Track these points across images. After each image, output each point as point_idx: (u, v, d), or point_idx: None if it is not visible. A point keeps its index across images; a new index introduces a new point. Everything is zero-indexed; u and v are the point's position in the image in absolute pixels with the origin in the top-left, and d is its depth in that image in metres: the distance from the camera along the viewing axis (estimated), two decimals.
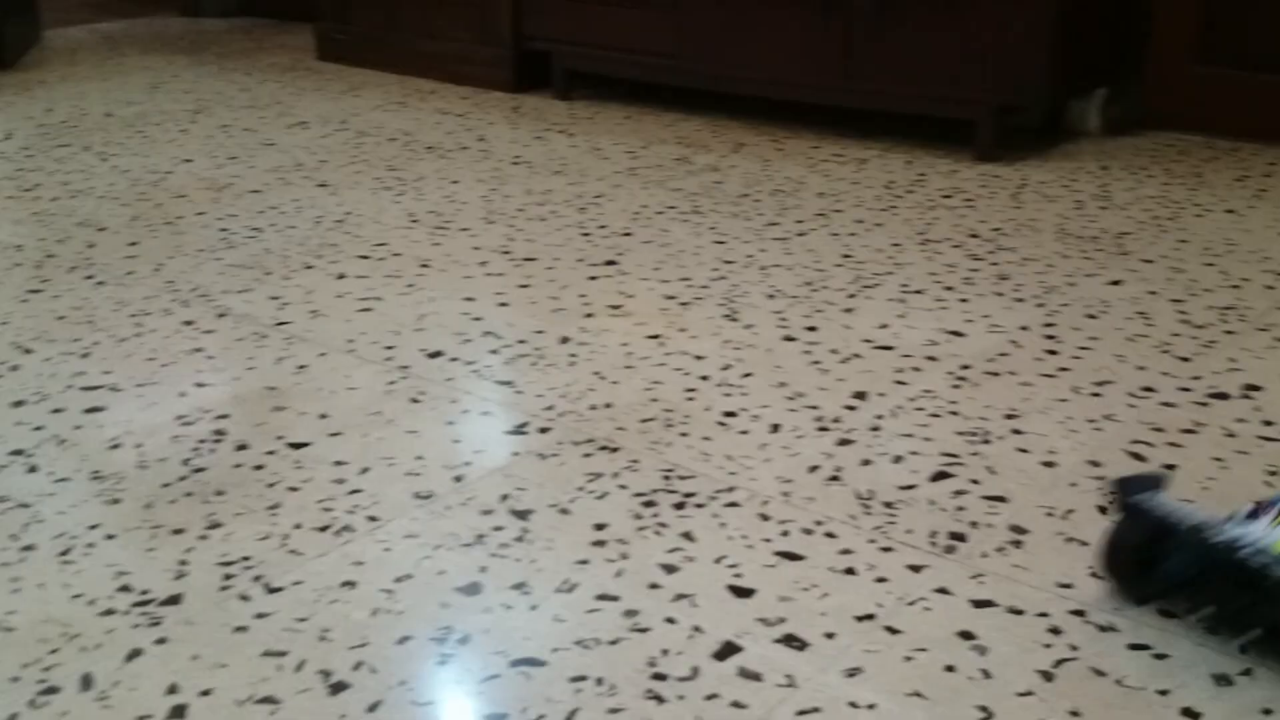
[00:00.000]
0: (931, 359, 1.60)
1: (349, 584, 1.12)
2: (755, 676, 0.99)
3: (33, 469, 1.32)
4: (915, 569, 1.13)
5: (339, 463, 1.34)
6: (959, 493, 1.27)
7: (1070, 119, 2.80)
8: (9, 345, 1.66)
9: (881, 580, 1.12)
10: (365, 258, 2.02)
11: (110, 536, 1.19)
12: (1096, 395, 1.49)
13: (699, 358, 1.61)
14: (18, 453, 1.36)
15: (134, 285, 1.89)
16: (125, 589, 1.10)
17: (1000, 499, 1.25)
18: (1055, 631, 1.04)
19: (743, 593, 1.10)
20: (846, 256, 2.00)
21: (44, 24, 4.46)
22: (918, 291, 1.84)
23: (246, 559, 1.15)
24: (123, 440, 1.39)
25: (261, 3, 4.76)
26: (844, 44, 2.67)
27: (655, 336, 1.69)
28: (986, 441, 1.37)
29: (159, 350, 1.64)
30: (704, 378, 1.55)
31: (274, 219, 2.22)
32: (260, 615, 1.07)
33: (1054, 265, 1.95)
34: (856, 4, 2.62)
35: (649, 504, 1.25)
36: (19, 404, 1.48)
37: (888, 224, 2.17)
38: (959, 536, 1.18)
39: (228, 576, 1.12)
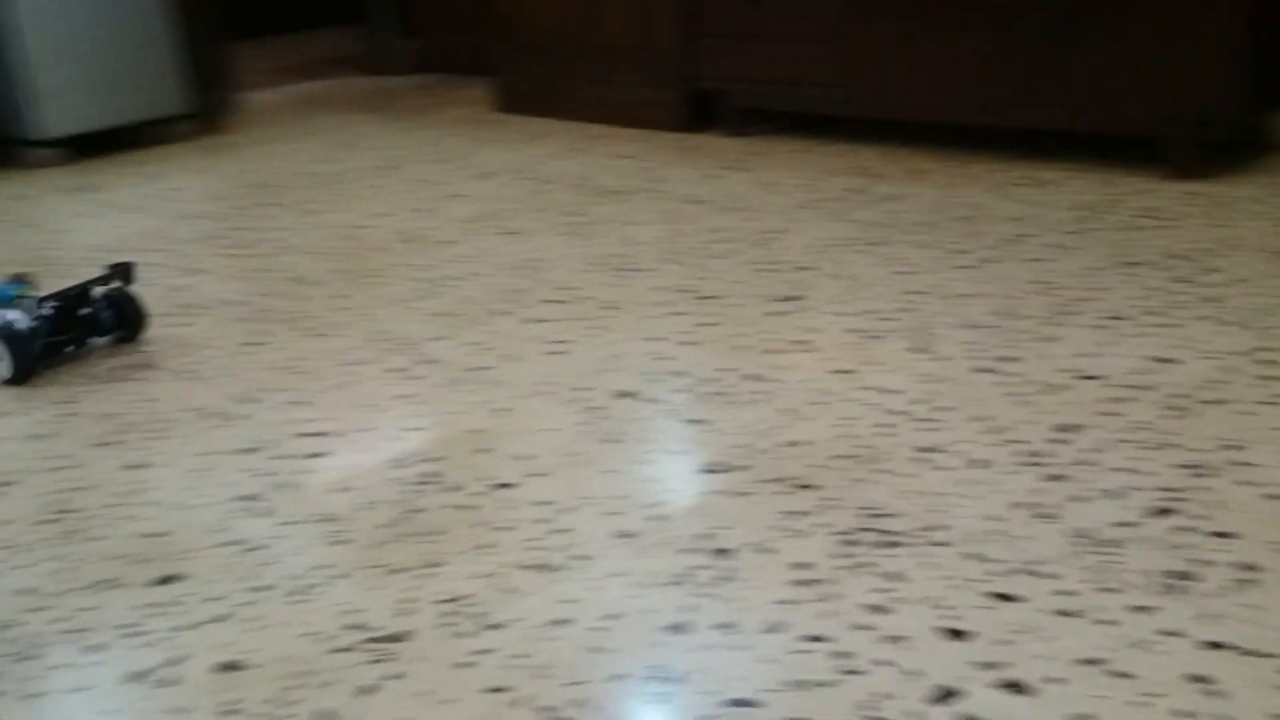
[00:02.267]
0: (1141, 388, 1.54)
1: (562, 622, 1.15)
2: None
3: (263, 513, 1.41)
4: (1140, 610, 1.09)
5: (544, 503, 1.38)
6: (1182, 529, 1.22)
7: (1271, 132, 2.67)
8: (236, 396, 1.77)
9: (1105, 622, 1.08)
10: (554, 302, 2.07)
11: (339, 576, 1.25)
12: None
13: (891, 392, 1.60)
14: (250, 497, 1.45)
15: (344, 335, 1.99)
16: (356, 626, 1.16)
17: (1227, 535, 1.20)
18: None
19: (958, 635, 1.08)
20: (1041, 283, 1.95)
21: (240, 88, 4.76)
22: (1121, 318, 1.78)
23: (466, 597, 1.20)
24: (345, 484, 1.46)
25: (441, 60, 4.96)
26: (1021, 65, 2.61)
27: (844, 371, 1.68)
28: (1207, 474, 1.32)
29: (371, 397, 1.73)
30: (898, 413, 1.54)
31: (467, 267, 2.30)
32: (482, 651, 1.11)
33: (1265, 286, 1.85)
34: (1031, 22, 2.56)
35: (851, 543, 1.25)
36: (249, 451, 1.58)
37: (1083, 248, 2.11)
38: (1185, 575, 1.14)
39: (450, 614, 1.17)
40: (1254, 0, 2.32)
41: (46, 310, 1.87)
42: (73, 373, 1.89)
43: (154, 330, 2.07)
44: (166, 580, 1.27)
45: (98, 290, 1.94)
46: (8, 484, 1.53)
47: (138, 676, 1.11)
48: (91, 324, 1.93)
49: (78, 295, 1.91)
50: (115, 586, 1.27)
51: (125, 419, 1.71)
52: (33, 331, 1.82)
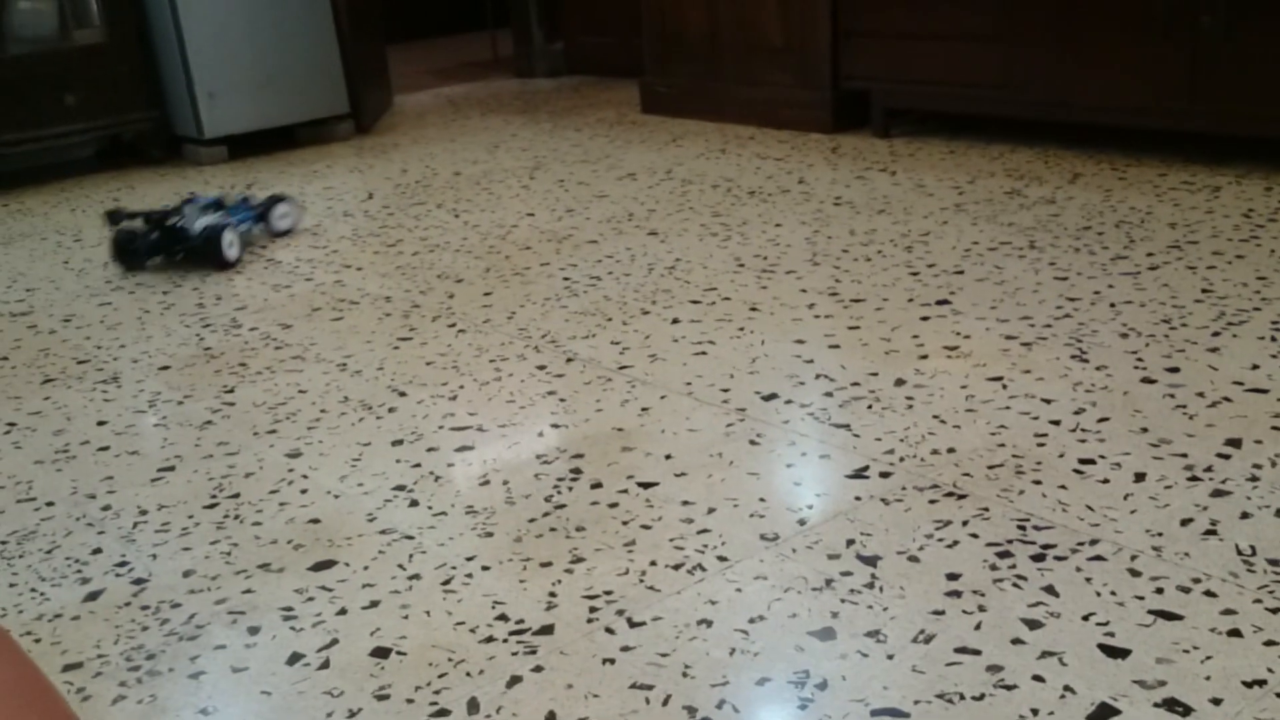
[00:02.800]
0: None
1: (705, 622, 1.15)
2: None
3: (414, 503, 1.44)
4: None
5: (686, 502, 1.38)
6: None
7: None
8: (386, 388, 1.82)
9: (1271, 644, 1.03)
10: (697, 302, 2.07)
11: (486, 568, 1.28)
12: None
13: (1047, 401, 1.55)
14: (400, 488, 1.49)
15: (491, 332, 2.03)
16: (503, 618, 1.18)
17: None
18: None
19: (1116, 652, 1.04)
20: (1207, 291, 1.87)
21: (394, 90, 4.89)
22: None
23: (609, 593, 1.20)
24: (491, 478, 1.49)
25: (587, 62, 5.02)
26: (1190, 65, 2.51)
27: (997, 379, 1.63)
28: None
29: (517, 393, 1.75)
30: (1055, 422, 1.49)
31: (610, 267, 2.32)
32: (626, 648, 1.11)
33: None
34: (1203, 21, 2.45)
35: (1004, 554, 1.21)
36: (398, 443, 1.62)
37: (1251, 255, 2.01)
38: None
39: (593, 609, 1.18)
40: None
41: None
42: (230, 360, 1.98)
43: (308, 322, 2.15)
44: (322, 566, 1.31)
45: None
46: (170, 468, 1.60)
47: (294, 659, 1.15)
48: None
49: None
50: (273, 570, 1.32)
51: (281, 408, 1.77)
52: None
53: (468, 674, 1.10)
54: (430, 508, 1.43)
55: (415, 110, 4.49)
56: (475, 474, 1.50)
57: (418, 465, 1.54)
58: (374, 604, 1.23)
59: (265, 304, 2.29)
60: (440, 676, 1.10)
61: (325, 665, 1.13)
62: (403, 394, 1.79)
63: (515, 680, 1.08)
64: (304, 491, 1.50)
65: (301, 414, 1.75)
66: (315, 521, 1.42)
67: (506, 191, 3.03)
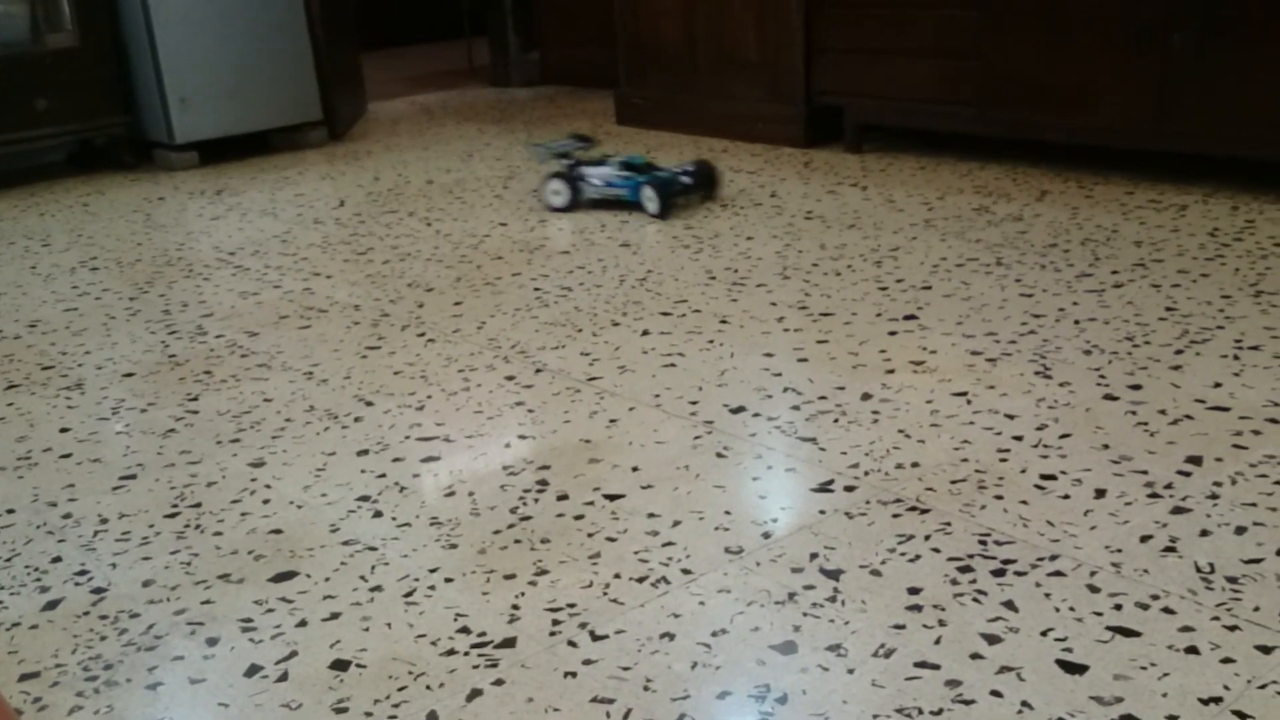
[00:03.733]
0: (1273, 421, 1.48)
1: (668, 635, 1.15)
2: None
3: (378, 514, 1.44)
4: (1265, 650, 1.05)
5: (652, 515, 1.38)
6: None
7: None
8: (352, 398, 1.81)
9: (1228, 661, 1.04)
10: (667, 314, 2.08)
11: (449, 580, 1.27)
12: None
13: (1011, 417, 1.56)
14: (364, 498, 1.48)
15: (460, 342, 2.02)
16: (464, 630, 1.17)
17: None
18: None
19: (1074, 668, 1.05)
20: (1171, 309, 1.89)
21: (368, 97, 4.88)
22: (1254, 348, 1.71)
23: (572, 606, 1.20)
24: (456, 489, 1.49)
25: (563, 72, 5.02)
26: (1159, 84, 2.54)
27: (962, 394, 1.65)
28: None
29: (485, 403, 1.75)
30: (1017, 438, 1.50)
31: (582, 278, 2.32)
32: (588, 662, 1.11)
33: None
34: (1173, 42, 2.48)
35: (965, 569, 1.22)
36: (364, 453, 1.61)
37: (1215, 274, 2.03)
38: None
39: (556, 622, 1.18)
40: None
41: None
42: (195, 368, 1.96)
43: (275, 330, 2.14)
44: (283, 577, 1.31)
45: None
46: (131, 477, 1.59)
47: (253, 670, 1.14)
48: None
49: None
50: (233, 581, 1.31)
51: (245, 417, 1.76)
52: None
53: (428, 687, 1.09)
54: (394, 519, 1.42)
55: (389, 118, 4.48)
56: (441, 485, 1.50)
57: (383, 476, 1.54)
58: (334, 616, 1.22)
59: (232, 311, 2.28)
60: (400, 690, 1.09)
61: (284, 677, 1.13)
62: (369, 403, 1.78)
63: (476, 693, 1.08)
64: (266, 501, 1.49)
65: (266, 423, 1.74)
66: (277, 532, 1.41)
67: (479, 201, 3.03)
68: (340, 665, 1.14)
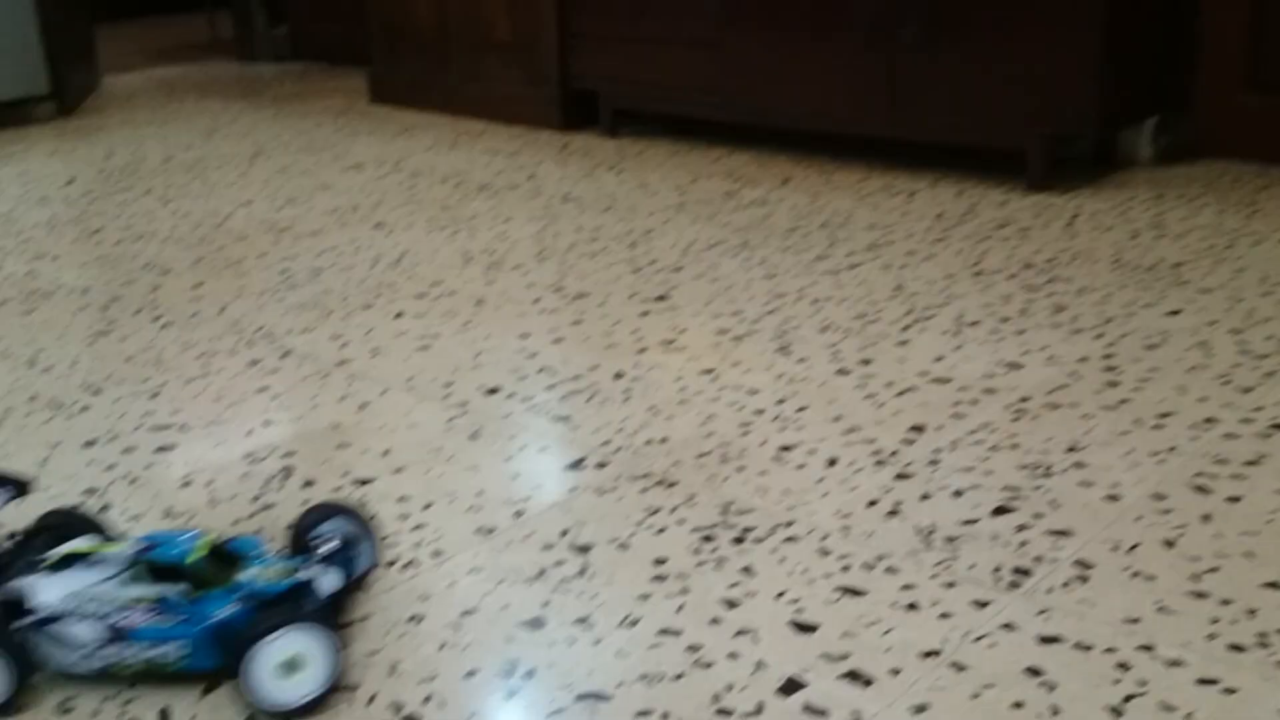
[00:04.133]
0: (989, 391, 1.60)
1: (416, 618, 1.13)
2: (821, 713, 0.99)
3: (106, 507, 1.36)
4: (980, 605, 1.13)
5: (403, 498, 1.36)
6: (1022, 527, 1.26)
7: (1122, 148, 2.79)
8: (78, 386, 1.70)
9: (946, 616, 1.12)
10: (422, 296, 2.05)
11: None
12: (1158, 427, 1.48)
13: (753, 392, 1.62)
14: (91, 491, 1.39)
15: (199, 326, 1.93)
16: None
17: (1064, 533, 1.25)
18: (1123, 667, 1.03)
19: (805, 628, 1.10)
20: (899, 289, 2.01)
21: (102, 70, 4.58)
22: (973, 323, 1.84)
23: None
24: (193, 478, 1.42)
25: (314, 48, 4.86)
26: (888, 75, 2.68)
27: (709, 371, 1.70)
28: (1048, 475, 1.37)
29: (226, 390, 1.68)
30: (759, 412, 1.56)
31: (333, 260, 2.26)
32: None
33: (1111, 295, 1.94)
34: (900, 35, 2.63)
35: (708, 539, 1.26)
36: (90, 444, 1.52)
37: (940, 256, 2.17)
38: (1023, 571, 1.18)
39: None
40: (1111, 22, 2.43)
41: None
42: None
43: None
44: None
45: None
46: None
47: None
48: None
49: None
50: None
51: None
52: None
53: (158, 682, 1.04)
54: (124, 511, 1.34)
55: (125, 92, 4.22)
56: (175, 475, 1.43)
57: (112, 467, 1.45)
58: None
59: None
60: (131, 687, 1.04)
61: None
62: (98, 392, 1.68)
63: (211, 687, 1.04)
64: None
65: None
66: None
67: (222, 179, 2.89)
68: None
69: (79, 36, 4.01)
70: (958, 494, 1.33)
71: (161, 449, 1.50)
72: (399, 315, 1.96)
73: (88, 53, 4.16)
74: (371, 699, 1.02)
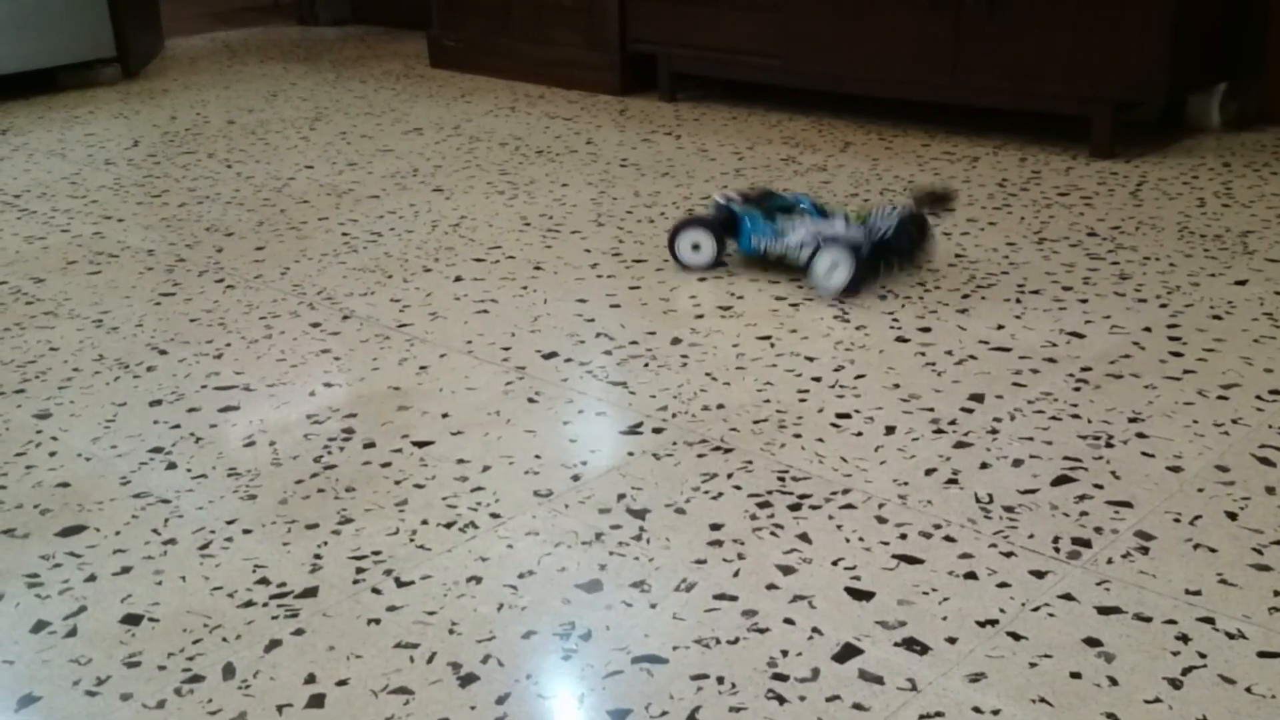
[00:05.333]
0: (1050, 361, 1.58)
1: (475, 579, 1.15)
2: (876, 679, 0.99)
3: (171, 465, 1.39)
4: (1039, 575, 1.12)
5: (461, 460, 1.38)
6: (1082, 497, 1.25)
7: (1190, 114, 2.73)
8: (145, 346, 1.73)
9: (1004, 585, 1.11)
10: (480, 260, 2.06)
11: (247, 531, 1.24)
12: (1223, 399, 1.45)
13: (810, 359, 1.62)
14: (157, 450, 1.43)
15: (262, 289, 1.96)
16: (263, 582, 1.15)
17: (1125, 504, 1.24)
18: (1183, 639, 1.02)
19: (861, 595, 1.10)
20: (960, 256, 1.98)
21: (166, 33, 4.63)
22: (1035, 292, 1.82)
23: (377, 553, 1.19)
24: (256, 438, 1.45)
25: (374, 11, 4.87)
26: (953, 40, 2.64)
27: (766, 338, 1.69)
28: (1110, 445, 1.35)
29: (288, 351, 1.70)
30: (816, 379, 1.55)
31: (393, 223, 2.28)
32: (392, 608, 1.10)
33: (1176, 265, 1.90)
34: (967, 2, 2.59)
35: (764, 505, 1.26)
36: (156, 403, 1.55)
37: (1002, 223, 2.14)
38: (1083, 542, 1.17)
39: (360, 570, 1.16)
40: None
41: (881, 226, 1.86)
42: None
43: (63, 276, 2.02)
44: (71, 531, 1.25)
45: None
46: None
47: (39, 626, 1.09)
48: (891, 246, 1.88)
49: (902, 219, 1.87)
50: (18, 537, 1.24)
51: (30, 367, 1.67)
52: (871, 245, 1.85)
53: (224, 639, 1.07)
54: (189, 470, 1.37)
55: (188, 55, 4.27)
56: (239, 435, 1.46)
57: (177, 426, 1.48)
58: (125, 570, 1.18)
59: (17, 256, 2.14)
60: (195, 643, 1.07)
61: (73, 633, 1.08)
62: (163, 352, 1.71)
63: (275, 644, 1.06)
64: (53, 454, 1.42)
65: (52, 373, 1.65)
66: (64, 485, 1.34)
67: (284, 143, 2.92)
68: (132, 620, 1.10)
69: (143, 0, 4.06)
70: (1017, 463, 1.32)
71: (226, 409, 1.53)
72: (458, 279, 1.97)
73: (151, 16, 4.20)
74: (431, 658, 1.04)
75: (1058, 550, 1.16)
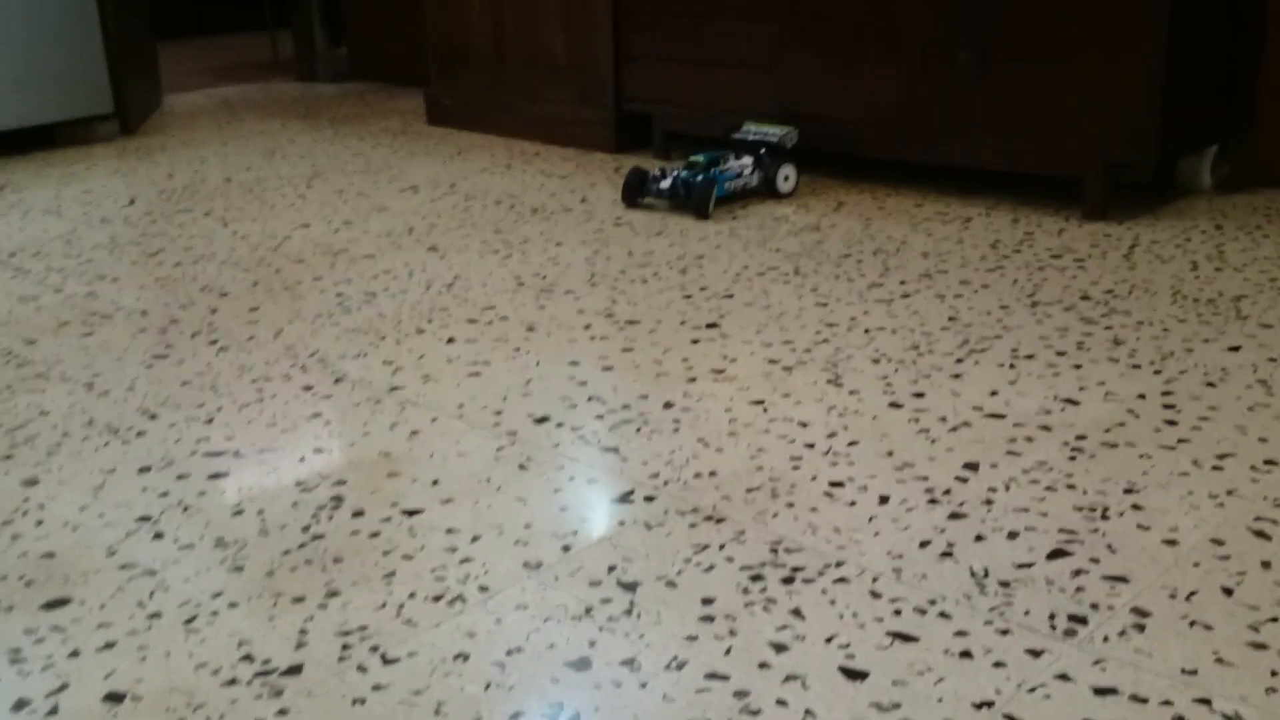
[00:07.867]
0: (1045, 428, 1.57)
1: (462, 656, 1.13)
2: None
3: (159, 535, 1.37)
4: (1035, 654, 1.11)
5: (451, 530, 1.37)
6: (1078, 572, 1.24)
7: (1182, 176, 2.75)
8: (136, 410, 1.72)
9: (999, 665, 1.10)
10: (474, 321, 2.06)
11: (233, 605, 1.22)
12: (1217, 469, 1.45)
13: (803, 424, 1.61)
14: (145, 519, 1.41)
15: (255, 350, 1.95)
16: (248, 658, 1.13)
17: (1121, 579, 1.22)
18: None
19: (855, 675, 1.09)
20: (953, 319, 1.98)
21: (165, 89, 4.67)
22: (1028, 357, 1.81)
23: (364, 628, 1.18)
24: (245, 506, 1.43)
25: (373, 68, 4.91)
26: (944, 100, 2.66)
27: (759, 402, 1.69)
28: (1105, 517, 1.34)
29: (279, 415, 1.70)
30: (809, 445, 1.55)
31: (387, 283, 2.28)
32: (377, 687, 1.09)
33: (1170, 329, 1.90)
34: (958, 59, 2.61)
35: (756, 578, 1.25)
36: (145, 469, 1.54)
37: (995, 285, 2.15)
38: (1079, 619, 1.16)
39: (346, 647, 1.15)
40: (1172, 47, 2.39)
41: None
42: None
43: (55, 338, 2.02)
44: (55, 604, 1.23)
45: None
46: None
47: (20, 705, 1.07)
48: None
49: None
50: (3, 609, 1.23)
51: (19, 432, 1.66)
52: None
53: (207, 718, 1.05)
54: (176, 540, 1.36)
55: (187, 111, 4.29)
56: (228, 503, 1.44)
57: (165, 494, 1.47)
58: (109, 645, 1.16)
59: (9, 317, 2.14)
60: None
61: (54, 711, 1.06)
62: (154, 416, 1.70)
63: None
64: (40, 523, 1.40)
65: (41, 438, 1.64)
66: (50, 555, 1.33)
67: (281, 201, 2.93)
68: (114, 698, 1.08)
69: (142, 55, 4.09)
70: (1012, 536, 1.31)
71: (215, 475, 1.52)
72: (450, 340, 1.97)
73: (150, 72, 4.23)
74: None
75: (1054, 627, 1.15)
